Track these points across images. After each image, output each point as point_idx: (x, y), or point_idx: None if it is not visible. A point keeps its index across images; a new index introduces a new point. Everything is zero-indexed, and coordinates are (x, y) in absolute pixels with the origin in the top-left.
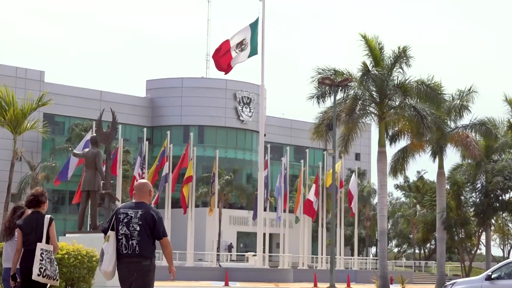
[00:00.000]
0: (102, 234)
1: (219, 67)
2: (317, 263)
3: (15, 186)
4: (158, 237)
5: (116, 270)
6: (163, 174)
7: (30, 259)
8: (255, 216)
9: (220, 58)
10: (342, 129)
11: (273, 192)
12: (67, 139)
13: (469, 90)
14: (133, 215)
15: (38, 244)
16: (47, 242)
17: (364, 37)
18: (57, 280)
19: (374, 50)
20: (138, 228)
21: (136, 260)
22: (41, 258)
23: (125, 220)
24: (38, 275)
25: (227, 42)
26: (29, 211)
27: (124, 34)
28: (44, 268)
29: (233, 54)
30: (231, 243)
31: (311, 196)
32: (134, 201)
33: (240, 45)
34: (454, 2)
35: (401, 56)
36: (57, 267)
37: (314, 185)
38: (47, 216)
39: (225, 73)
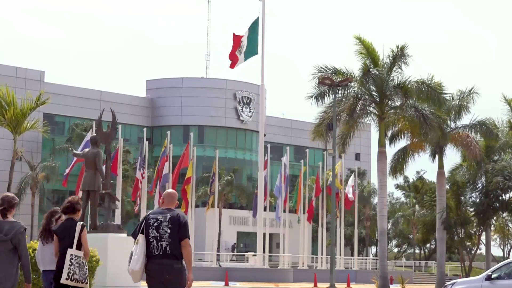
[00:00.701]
0: (129, 237)
1: (231, 59)
2: (317, 263)
3: (15, 186)
4: (181, 237)
5: (144, 272)
6: (163, 174)
7: (63, 263)
8: (255, 214)
9: (232, 54)
10: (341, 128)
11: (273, 192)
12: (67, 139)
13: (470, 91)
14: (162, 219)
15: (69, 250)
16: (79, 247)
17: (359, 39)
18: (86, 283)
19: (371, 51)
20: (168, 231)
21: (167, 262)
22: (70, 263)
23: (155, 224)
24: (67, 279)
25: (238, 38)
26: (63, 217)
27: (124, 34)
28: (72, 272)
29: (237, 53)
30: (234, 243)
31: (313, 196)
32: (162, 207)
33: (240, 47)
34: (454, 2)
35: (400, 55)
36: (87, 271)
37: (315, 185)
38: (79, 223)
39: (231, 67)
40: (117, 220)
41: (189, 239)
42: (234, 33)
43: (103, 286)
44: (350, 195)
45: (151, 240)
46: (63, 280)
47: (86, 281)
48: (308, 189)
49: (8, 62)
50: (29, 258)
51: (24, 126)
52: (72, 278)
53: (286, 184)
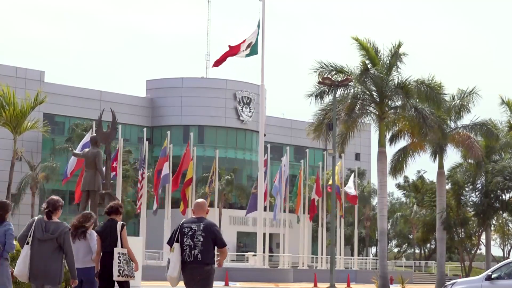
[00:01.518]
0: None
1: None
2: (317, 263)
3: (15, 186)
4: (220, 246)
5: (181, 275)
6: (163, 174)
7: (108, 260)
8: (248, 212)
9: (223, 57)
10: (340, 128)
11: (273, 193)
12: (67, 139)
13: (471, 91)
14: (196, 228)
15: (115, 248)
16: (122, 245)
17: (357, 39)
18: (134, 277)
19: (369, 52)
20: (201, 239)
21: (199, 266)
22: (119, 261)
23: (190, 233)
24: (118, 275)
25: (238, 47)
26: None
27: (124, 34)
28: (122, 269)
29: (239, 54)
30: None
31: (313, 195)
32: (194, 216)
33: (248, 47)
34: (454, 2)
35: (397, 54)
36: (133, 265)
37: (315, 185)
38: (119, 223)
39: (213, 65)
40: None
41: (226, 245)
42: (229, 45)
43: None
44: (351, 191)
45: (185, 248)
46: (115, 278)
47: (134, 275)
48: (308, 189)
49: (8, 62)
50: (73, 256)
51: (24, 126)
52: (123, 274)
53: (286, 184)
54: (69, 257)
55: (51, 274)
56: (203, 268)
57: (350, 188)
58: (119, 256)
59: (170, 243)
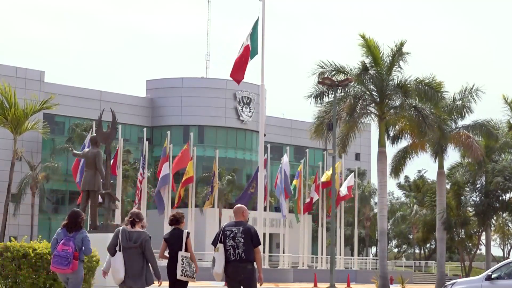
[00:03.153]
0: (212, 246)
1: (235, 75)
2: (317, 263)
3: (15, 186)
4: (255, 244)
5: (224, 273)
6: (163, 174)
7: (174, 263)
8: (239, 202)
9: (240, 67)
10: (341, 128)
11: (273, 193)
12: (67, 139)
13: (471, 89)
14: (236, 231)
15: (179, 252)
16: (186, 250)
17: (363, 36)
18: (195, 278)
19: (373, 50)
20: (242, 240)
21: (242, 264)
22: (182, 263)
23: (231, 235)
24: (181, 275)
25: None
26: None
27: (124, 34)
28: (185, 270)
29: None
30: None
31: (312, 193)
32: (234, 221)
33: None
34: (454, 2)
35: (399, 53)
36: (194, 268)
37: (313, 184)
38: (185, 231)
39: (238, 83)
40: (117, 220)
41: (261, 245)
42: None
43: (103, 286)
44: (342, 192)
45: (227, 248)
46: (178, 277)
47: (195, 276)
48: (308, 188)
49: (8, 62)
50: (155, 260)
51: (24, 127)
52: (185, 275)
53: (287, 184)
54: (151, 261)
55: (136, 277)
56: (246, 267)
57: (345, 189)
58: (182, 259)
59: (214, 243)
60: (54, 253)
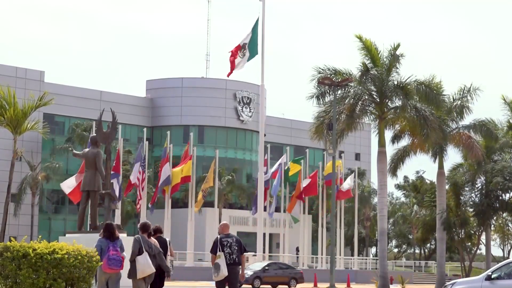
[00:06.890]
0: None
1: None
2: (317, 263)
3: (15, 186)
4: (243, 252)
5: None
6: (163, 174)
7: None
8: (254, 212)
9: (232, 61)
10: (341, 128)
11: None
12: (67, 139)
13: (469, 89)
14: (231, 241)
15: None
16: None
17: (360, 38)
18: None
19: (371, 51)
20: (236, 248)
21: (235, 267)
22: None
23: (228, 244)
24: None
25: (238, 46)
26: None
27: (124, 34)
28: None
29: (237, 59)
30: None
31: (305, 183)
32: (224, 233)
33: (243, 49)
34: (454, 2)
35: (396, 54)
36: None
37: (310, 180)
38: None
39: (227, 75)
40: (117, 220)
41: (246, 252)
42: (231, 51)
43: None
44: (344, 187)
45: (225, 255)
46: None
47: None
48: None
49: (8, 62)
50: (165, 261)
51: (24, 127)
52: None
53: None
54: (161, 263)
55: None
56: (236, 268)
57: (346, 185)
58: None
59: (214, 252)
60: (109, 257)
